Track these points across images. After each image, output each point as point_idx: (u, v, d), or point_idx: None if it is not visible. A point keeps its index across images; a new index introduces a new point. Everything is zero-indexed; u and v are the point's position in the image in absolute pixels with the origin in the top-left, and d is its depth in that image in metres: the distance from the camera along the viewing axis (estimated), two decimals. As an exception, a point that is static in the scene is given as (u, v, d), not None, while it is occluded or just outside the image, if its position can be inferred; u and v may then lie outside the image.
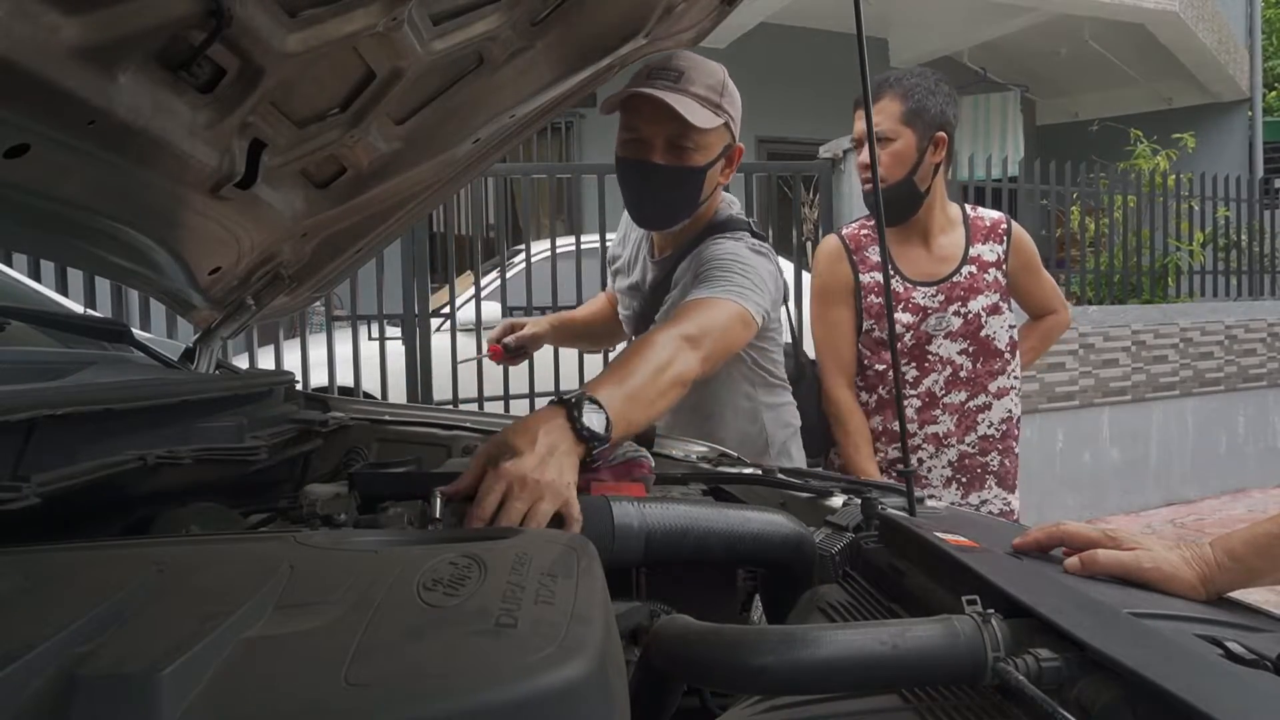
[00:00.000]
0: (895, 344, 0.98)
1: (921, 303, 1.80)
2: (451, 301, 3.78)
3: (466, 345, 3.71)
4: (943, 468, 1.83)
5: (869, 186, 1.77)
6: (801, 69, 7.84)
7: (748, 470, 1.30)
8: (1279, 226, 6.31)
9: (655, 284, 1.59)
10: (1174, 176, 5.59)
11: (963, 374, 1.81)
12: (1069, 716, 0.50)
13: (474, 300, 3.74)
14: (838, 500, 1.10)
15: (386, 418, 1.47)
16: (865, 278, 1.84)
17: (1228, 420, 5.43)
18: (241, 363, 3.40)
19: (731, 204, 1.62)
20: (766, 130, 7.90)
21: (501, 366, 3.63)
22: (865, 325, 1.84)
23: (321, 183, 1.23)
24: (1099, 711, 0.52)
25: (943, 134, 1.76)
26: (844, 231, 1.90)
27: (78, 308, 2.03)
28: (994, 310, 1.82)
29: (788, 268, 4.23)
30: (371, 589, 0.49)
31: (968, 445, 1.82)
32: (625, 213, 1.66)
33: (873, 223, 1.86)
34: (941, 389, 1.81)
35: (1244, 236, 5.99)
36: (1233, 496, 5.34)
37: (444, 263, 4.06)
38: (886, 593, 0.81)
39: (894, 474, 1.82)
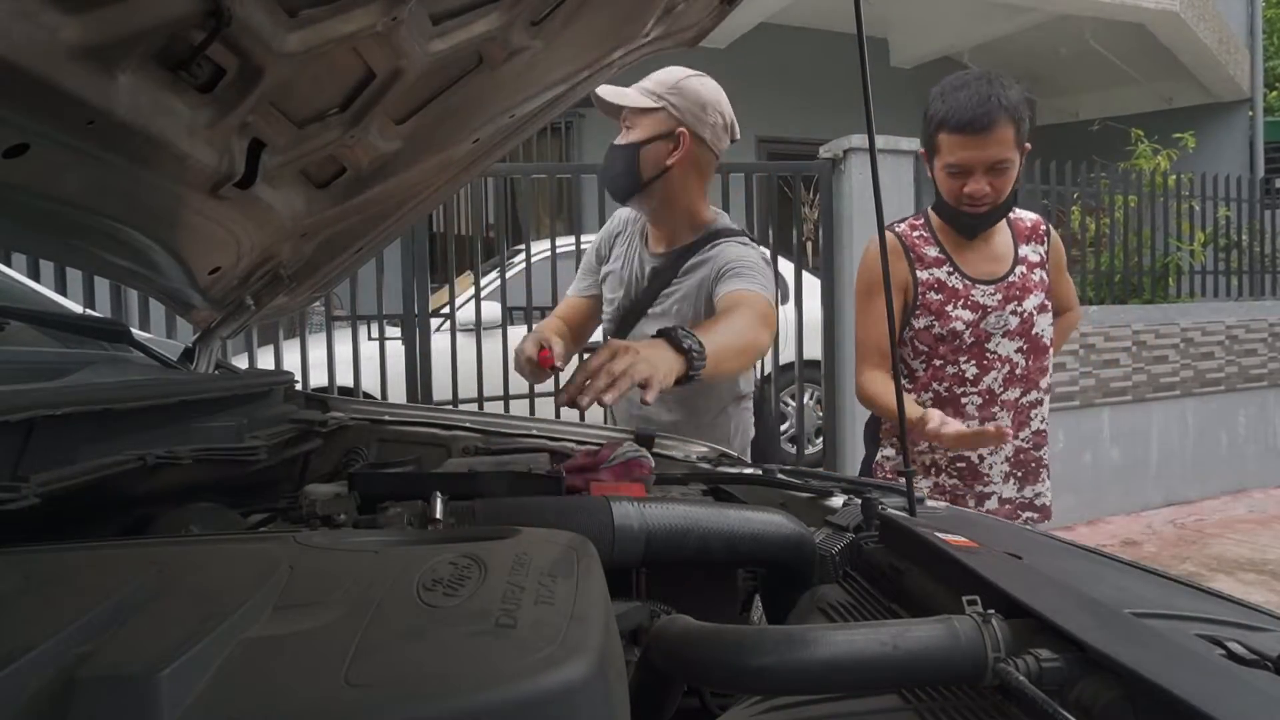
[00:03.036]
0: (895, 344, 0.98)
1: (981, 301, 1.82)
2: (451, 301, 3.78)
3: (466, 345, 3.71)
4: (1001, 463, 1.87)
5: (983, 208, 1.77)
6: (801, 69, 7.85)
7: (748, 470, 1.30)
8: (1279, 226, 6.31)
9: (655, 275, 1.75)
10: (1174, 176, 5.59)
11: (1018, 371, 1.84)
12: (1069, 717, 0.50)
13: (474, 300, 3.74)
14: (838, 500, 1.10)
15: (386, 418, 1.47)
16: (923, 274, 1.84)
17: (1228, 420, 5.43)
18: (241, 363, 3.40)
19: (719, 215, 1.80)
20: (766, 130, 7.90)
21: (503, 366, 3.66)
22: (924, 323, 1.83)
23: (321, 183, 1.23)
24: (1099, 711, 0.52)
25: (1028, 144, 1.78)
26: (898, 229, 1.90)
27: (77, 308, 2.03)
28: (1042, 309, 1.86)
29: (787, 268, 4.23)
30: (371, 589, 0.49)
31: (1023, 440, 1.87)
32: (617, 211, 1.92)
33: (921, 221, 1.90)
34: (1000, 386, 1.83)
35: (1245, 236, 5.99)
36: (1233, 496, 5.33)
37: (444, 263, 4.06)
38: (886, 593, 0.81)
39: (948, 475, 1.87)
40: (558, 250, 3.86)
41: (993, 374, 1.83)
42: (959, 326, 1.81)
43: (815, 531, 0.95)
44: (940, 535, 0.78)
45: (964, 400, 1.83)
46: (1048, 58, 8.55)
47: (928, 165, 1.84)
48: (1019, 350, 1.84)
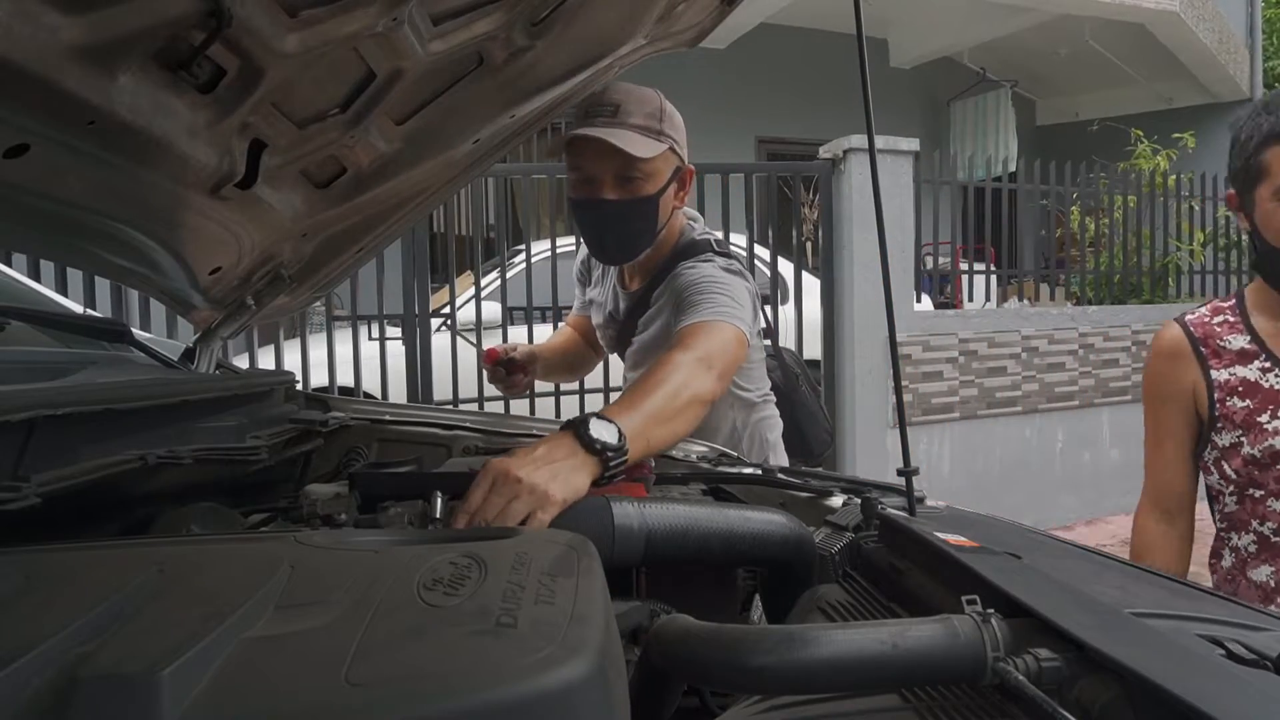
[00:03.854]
0: (897, 359, 0.96)
1: None
2: (451, 301, 3.78)
3: (467, 345, 3.71)
4: None
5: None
6: (801, 69, 7.85)
7: (748, 470, 1.30)
8: (1279, 226, 6.29)
9: (629, 311, 1.59)
10: (1174, 176, 5.59)
11: None
12: (1069, 716, 0.50)
13: (474, 300, 3.74)
14: (838, 500, 1.10)
15: (386, 418, 1.47)
16: (1220, 374, 1.38)
17: (1228, 420, 5.42)
18: (242, 363, 3.40)
19: (695, 223, 1.60)
20: (766, 130, 7.90)
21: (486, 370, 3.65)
22: (1229, 439, 1.36)
23: (321, 183, 1.23)
24: (1099, 711, 0.52)
25: None
26: (1189, 318, 1.45)
27: (78, 308, 2.03)
28: None
29: (787, 268, 4.24)
30: (371, 589, 0.49)
31: None
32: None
33: (1230, 302, 1.44)
34: None
35: (1244, 237, 5.99)
36: (1233, 496, 5.32)
37: (444, 263, 4.06)
38: (886, 593, 0.81)
39: None
40: (558, 250, 3.86)
41: None
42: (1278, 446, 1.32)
43: (815, 531, 0.95)
44: (940, 535, 0.78)
45: None
46: (1048, 58, 8.56)
47: (1239, 212, 1.37)
48: None
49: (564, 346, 1.95)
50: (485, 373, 1.71)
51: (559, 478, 0.90)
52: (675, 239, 1.55)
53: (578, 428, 0.97)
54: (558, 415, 3.80)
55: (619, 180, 1.39)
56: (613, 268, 1.64)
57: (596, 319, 1.74)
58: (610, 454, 0.97)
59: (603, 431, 0.97)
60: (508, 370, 1.75)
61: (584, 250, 1.78)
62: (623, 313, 1.62)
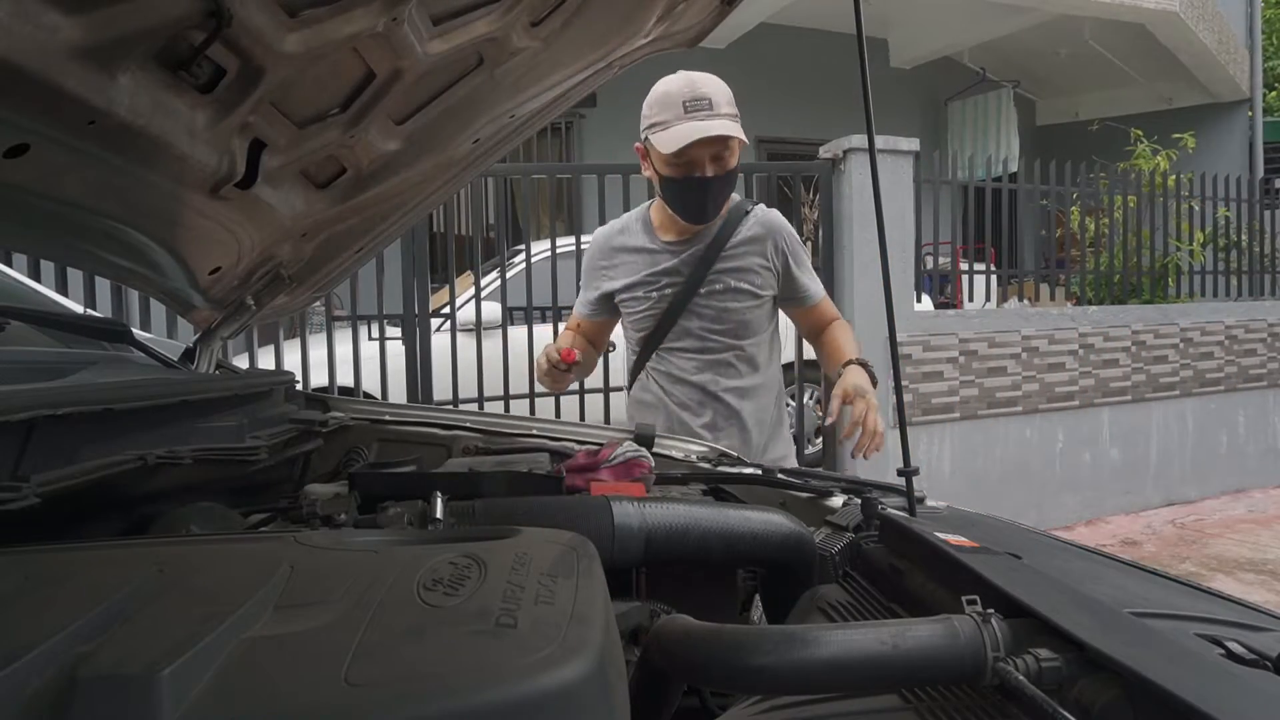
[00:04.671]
0: (897, 360, 0.96)
1: None
2: (451, 301, 3.78)
3: (466, 345, 3.71)
4: None
5: None
6: (801, 69, 7.85)
7: (748, 470, 1.30)
8: (1279, 227, 6.31)
9: (708, 250, 1.80)
10: (1174, 176, 5.59)
11: None
12: (1069, 716, 0.50)
13: (474, 300, 3.74)
14: (838, 500, 1.10)
15: (386, 418, 1.47)
16: None
17: (1228, 420, 5.43)
18: (241, 363, 3.40)
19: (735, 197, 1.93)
20: (766, 130, 7.89)
21: (503, 366, 3.66)
22: None
23: (321, 183, 1.23)
24: (1099, 711, 0.52)
25: None
26: None
27: (78, 308, 2.03)
28: None
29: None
30: (371, 589, 0.49)
31: None
32: (598, 232, 2.00)
33: None
34: None
35: (1244, 236, 5.99)
36: (1233, 496, 5.33)
37: (444, 263, 4.06)
38: (886, 593, 0.81)
39: None
40: (558, 250, 3.86)
41: None
42: None
43: (815, 531, 0.95)
44: (940, 535, 0.78)
45: None
46: (1048, 58, 8.56)
47: None
48: None
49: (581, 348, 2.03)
50: (543, 373, 1.79)
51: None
52: None
53: (865, 365, 1.72)
54: (557, 415, 3.80)
55: (715, 160, 1.70)
56: (642, 236, 1.87)
57: (638, 302, 1.86)
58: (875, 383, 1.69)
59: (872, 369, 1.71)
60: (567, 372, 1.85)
61: (597, 250, 1.96)
62: (683, 263, 1.82)
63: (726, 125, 1.66)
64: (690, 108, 1.66)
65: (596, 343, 2.01)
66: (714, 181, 1.72)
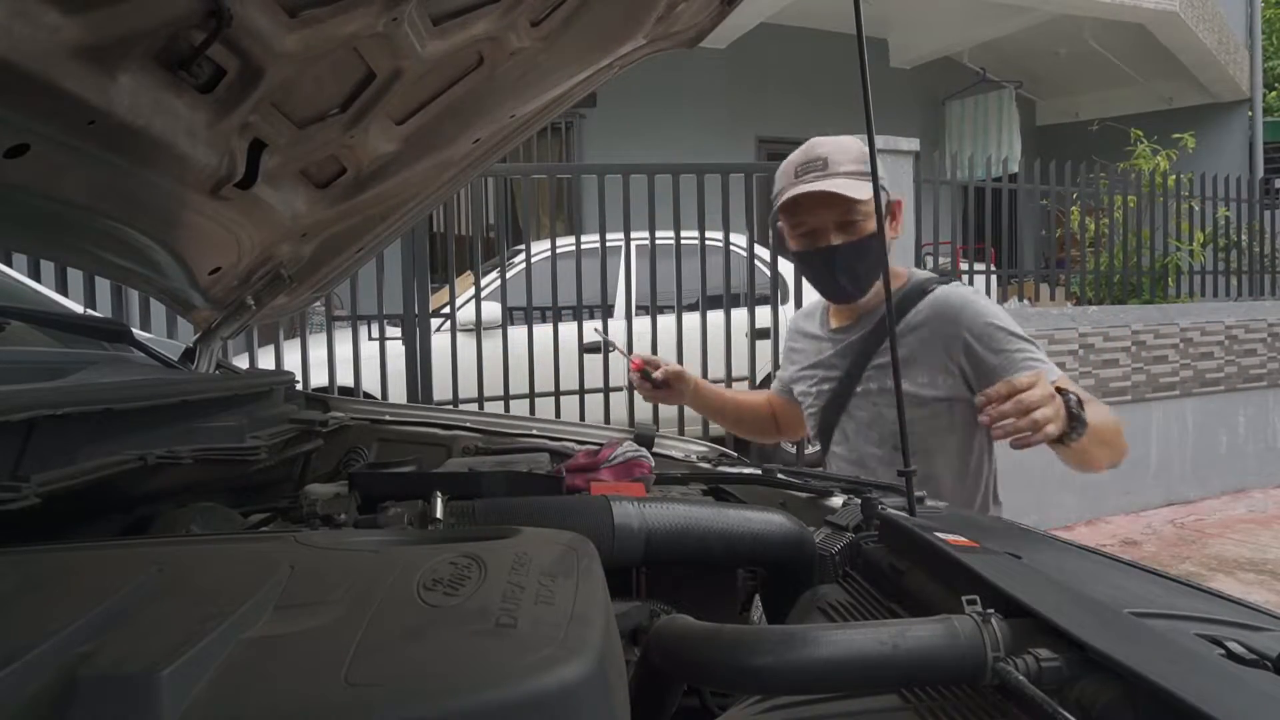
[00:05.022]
0: (896, 360, 0.96)
1: None
2: (451, 301, 3.78)
3: (466, 345, 3.71)
4: None
5: None
6: (801, 69, 7.85)
7: (748, 470, 1.30)
8: (1279, 226, 6.31)
9: (864, 341, 1.54)
10: (1174, 176, 5.59)
11: None
12: (1069, 716, 0.50)
13: (474, 300, 3.74)
14: (838, 500, 1.10)
15: (386, 418, 1.47)
16: None
17: (1228, 420, 5.43)
18: (241, 363, 3.40)
19: (913, 273, 1.63)
20: (766, 130, 7.90)
21: (503, 366, 3.66)
22: None
23: (321, 183, 1.23)
24: (1099, 711, 0.52)
25: None
26: None
27: (78, 308, 2.03)
28: None
29: (787, 268, 4.23)
30: (371, 589, 0.49)
31: None
32: (796, 315, 1.78)
33: None
34: None
35: (1244, 236, 5.99)
36: (1233, 496, 5.33)
37: (444, 263, 4.06)
38: (886, 593, 0.81)
39: None
40: (558, 250, 3.86)
41: None
42: None
43: (815, 531, 0.95)
44: (940, 535, 0.78)
45: None
46: (1048, 58, 8.55)
47: None
48: None
49: (745, 400, 1.91)
50: (633, 380, 1.71)
51: (1056, 412, 1.13)
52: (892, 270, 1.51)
53: (1065, 393, 1.18)
54: (557, 415, 3.80)
55: (841, 226, 1.46)
56: (819, 324, 1.66)
57: (806, 388, 1.65)
58: (1076, 426, 1.17)
59: (1078, 408, 1.17)
60: (652, 384, 1.73)
61: (791, 324, 1.78)
62: (841, 354, 1.57)
63: (839, 184, 1.41)
64: (801, 171, 1.47)
65: (782, 425, 1.84)
66: (839, 252, 1.46)
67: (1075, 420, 1.17)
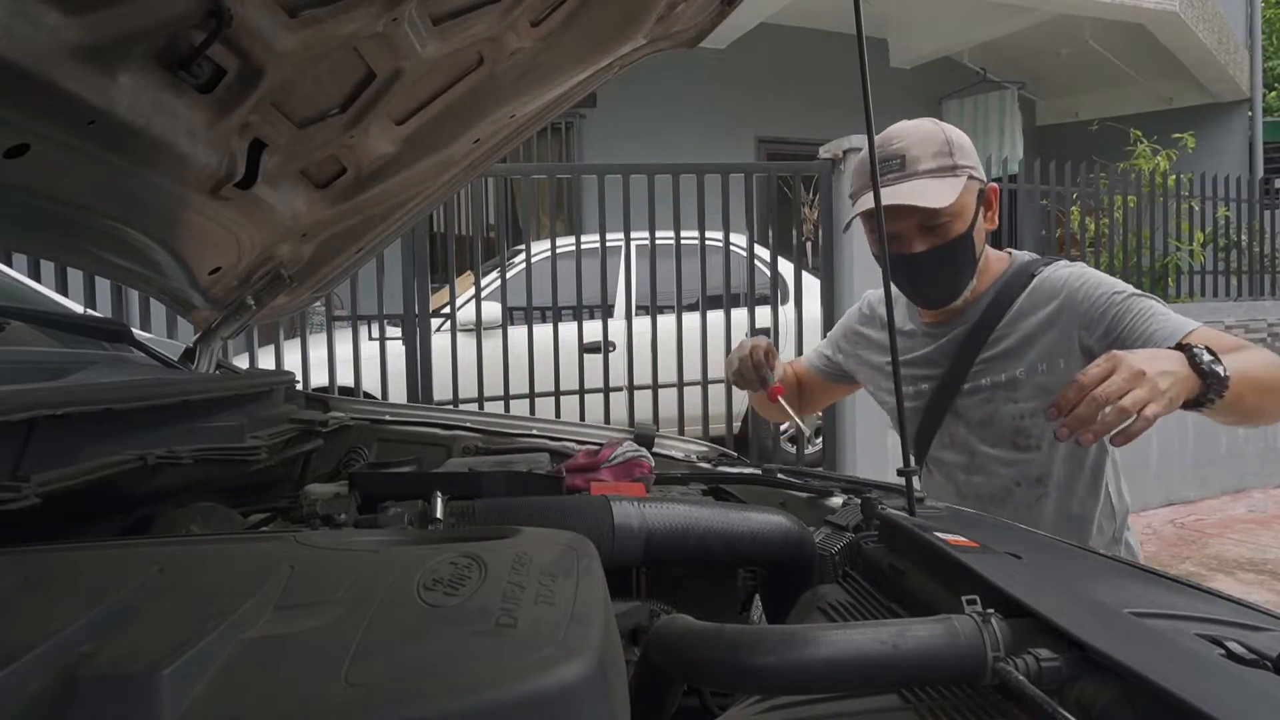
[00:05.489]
0: (896, 359, 0.96)
1: None
2: (452, 301, 3.78)
3: (466, 345, 3.71)
4: None
5: None
6: (801, 69, 7.85)
7: (748, 470, 1.30)
8: (1279, 226, 6.31)
9: (969, 336, 1.39)
10: (1174, 176, 5.59)
11: None
12: (1069, 716, 0.50)
13: (474, 300, 3.74)
14: (838, 500, 1.10)
15: (386, 418, 1.47)
16: None
17: (1228, 420, 5.43)
18: (241, 363, 3.40)
19: (1010, 252, 1.48)
20: (766, 130, 7.90)
21: (503, 366, 3.66)
22: None
23: (321, 183, 1.23)
24: (1099, 711, 0.52)
25: None
26: None
27: (78, 308, 2.03)
28: None
29: (787, 268, 4.24)
30: (371, 589, 0.49)
31: None
32: (870, 295, 1.59)
33: None
34: None
35: (1244, 236, 5.99)
36: (1233, 496, 5.33)
37: (444, 263, 4.06)
38: (886, 593, 0.81)
39: None
40: (558, 250, 3.86)
41: None
42: None
43: (815, 531, 0.95)
44: (940, 535, 0.78)
45: None
46: (1048, 58, 8.55)
47: None
48: None
49: (799, 377, 1.74)
50: (736, 368, 1.52)
51: (1174, 383, 1.00)
52: (995, 259, 1.43)
53: (1191, 349, 1.04)
54: (557, 415, 3.80)
55: (925, 231, 1.31)
56: (904, 316, 1.50)
57: (888, 382, 1.50)
58: (1213, 382, 1.03)
59: (1209, 359, 1.03)
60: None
61: (867, 306, 1.61)
62: (954, 345, 1.41)
63: (916, 189, 1.27)
64: (884, 170, 1.32)
65: (806, 398, 1.67)
66: (926, 259, 1.31)
67: (1209, 377, 1.03)
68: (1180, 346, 1.07)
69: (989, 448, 1.40)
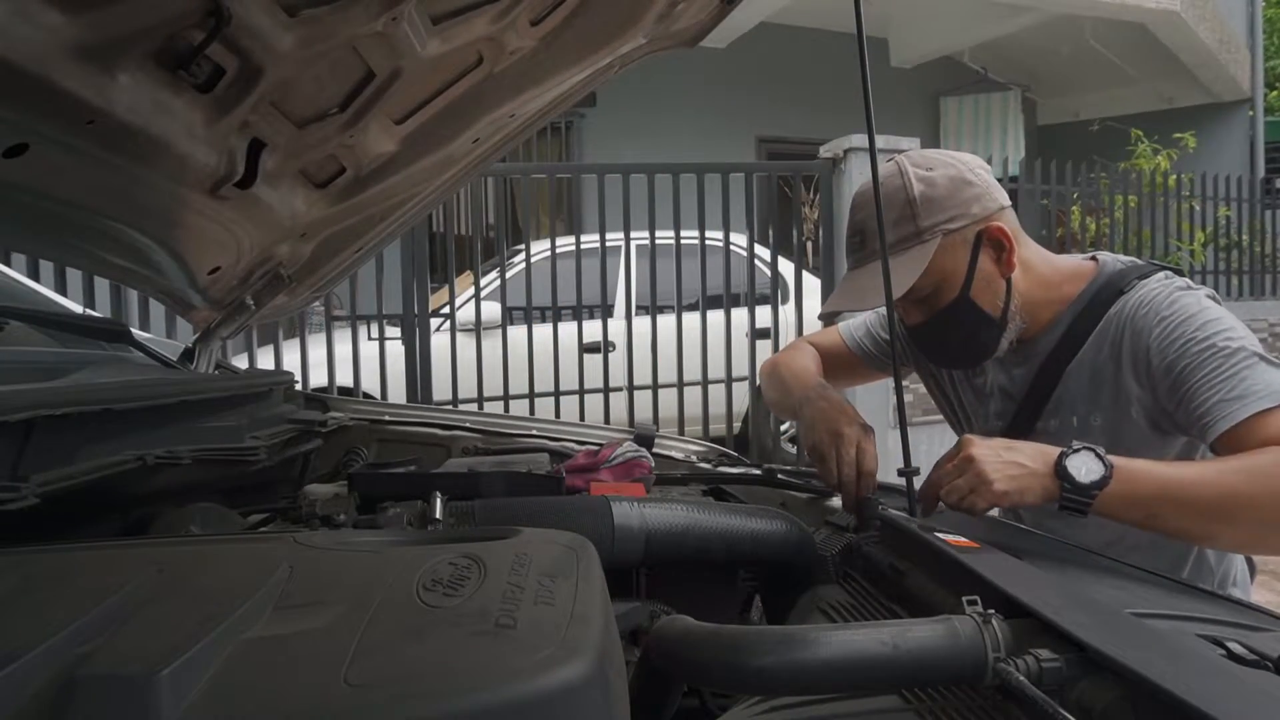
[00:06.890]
0: (897, 359, 0.95)
1: None
2: (451, 301, 3.78)
3: (466, 345, 3.71)
4: None
5: None
6: (801, 69, 7.84)
7: (748, 470, 1.30)
8: (1279, 226, 6.31)
9: (1042, 372, 1.21)
10: (1175, 176, 5.59)
11: None
12: (1069, 717, 0.50)
13: (474, 300, 3.74)
14: (838, 500, 1.10)
15: (386, 418, 1.47)
16: None
17: (1228, 420, 5.42)
18: (241, 363, 3.40)
19: (1101, 261, 1.22)
20: (766, 130, 7.90)
21: (502, 366, 3.66)
22: None
23: (321, 183, 1.23)
24: (1100, 712, 0.52)
25: None
26: None
27: (77, 308, 2.03)
28: None
29: (788, 268, 4.23)
30: (371, 589, 0.49)
31: None
32: None
33: None
34: None
35: (1245, 236, 5.99)
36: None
37: (443, 262, 4.06)
38: (886, 593, 0.81)
39: None
40: (558, 250, 3.86)
41: None
42: None
43: (815, 531, 0.95)
44: (940, 535, 0.78)
45: None
46: (1048, 58, 8.55)
47: None
48: None
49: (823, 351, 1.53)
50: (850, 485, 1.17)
51: (1017, 479, 0.94)
52: (1061, 281, 1.21)
53: (1061, 453, 0.94)
54: (557, 415, 3.80)
55: (912, 304, 1.19)
56: None
57: (984, 404, 1.33)
58: (1070, 492, 0.92)
59: (1084, 468, 0.92)
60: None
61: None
62: (1027, 379, 1.23)
63: (877, 269, 1.02)
64: (849, 249, 1.20)
65: (833, 378, 1.37)
66: (928, 329, 1.20)
67: (1071, 486, 0.92)
68: (1069, 451, 0.94)
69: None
